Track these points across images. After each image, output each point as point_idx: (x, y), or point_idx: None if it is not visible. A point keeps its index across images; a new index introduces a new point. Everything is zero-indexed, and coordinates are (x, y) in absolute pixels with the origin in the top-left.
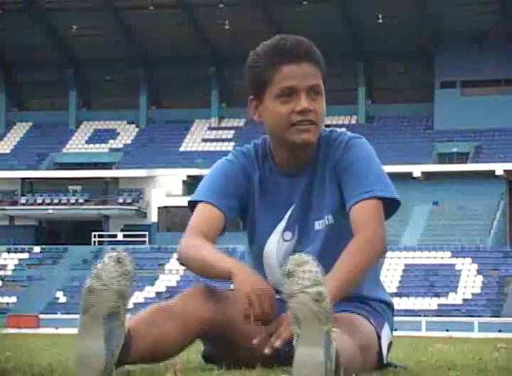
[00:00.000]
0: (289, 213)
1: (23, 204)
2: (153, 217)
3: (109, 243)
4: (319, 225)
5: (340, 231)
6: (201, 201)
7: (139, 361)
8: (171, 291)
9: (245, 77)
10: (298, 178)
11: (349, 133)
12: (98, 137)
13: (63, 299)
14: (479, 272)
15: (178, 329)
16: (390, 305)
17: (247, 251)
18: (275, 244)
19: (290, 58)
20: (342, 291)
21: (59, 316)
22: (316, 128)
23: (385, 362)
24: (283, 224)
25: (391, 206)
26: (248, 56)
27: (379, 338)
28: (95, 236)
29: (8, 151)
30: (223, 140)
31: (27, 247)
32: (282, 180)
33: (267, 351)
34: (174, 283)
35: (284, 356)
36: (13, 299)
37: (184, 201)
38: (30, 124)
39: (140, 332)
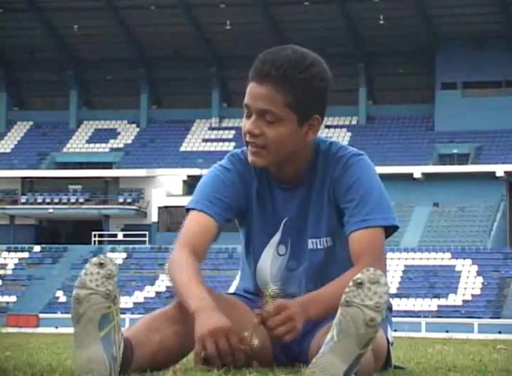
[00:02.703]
0: (282, 226)
1: (24, 204)
2: (153, 217)
3: (109, 242)
4: (312, 244)
5: (336, 253)
6: (196, 209)
7: (142, 369)
8: (171, 291)
9: None
10: (293, 192)
11: (350, 148)
12: (98, 137)
13: (62, 299)
14: (479, 273)
15: (180, 334)
16: (389, 308)
17: (243, 257)
18: (270, 257)
19: (254, 75)
20: (320, 314)
21: (58, 315)
22: (267, 153)
23: (392, 365)
24: (277, 237)
25: (388, 228)
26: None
27: (388, 342)
28: (95, 235)
29: (8, 150)
30: (224, 140)
31: (27, 246)
32: (276, 191)
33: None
34: None
35: (281, 357)
36: (13, 298)
37: (184, 201)
38: (31, 123)
39: (141, 339)
